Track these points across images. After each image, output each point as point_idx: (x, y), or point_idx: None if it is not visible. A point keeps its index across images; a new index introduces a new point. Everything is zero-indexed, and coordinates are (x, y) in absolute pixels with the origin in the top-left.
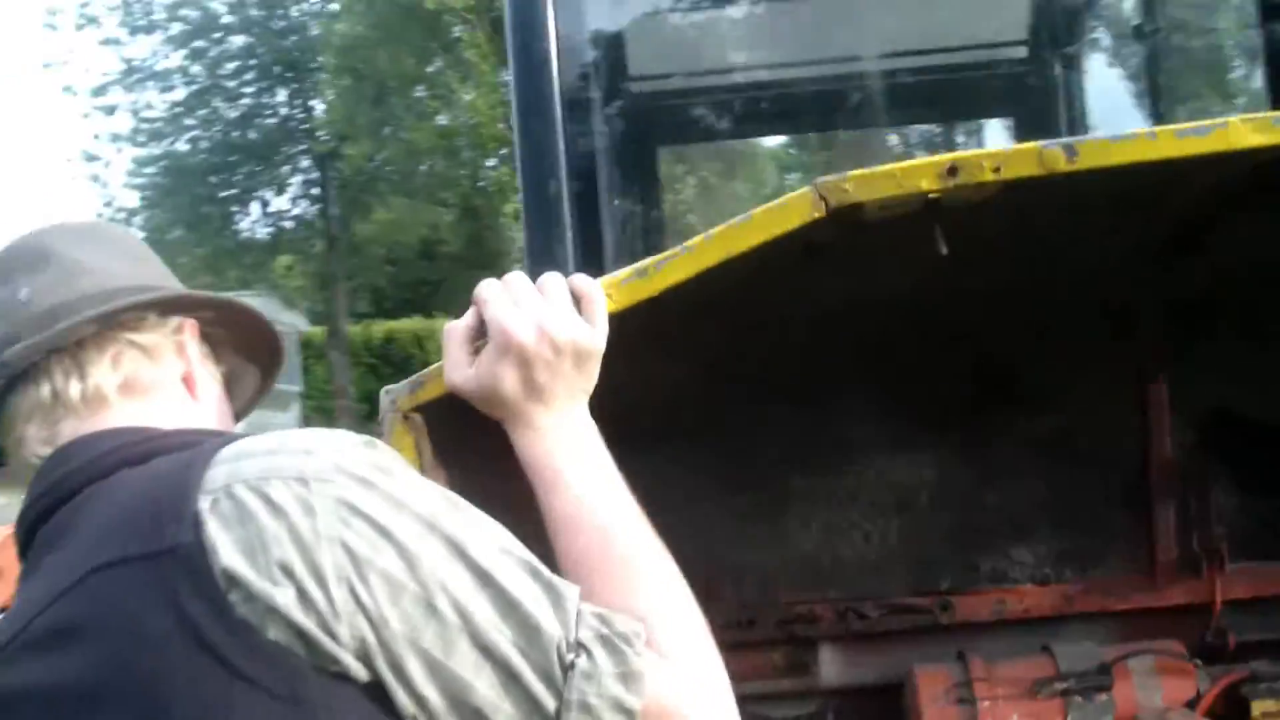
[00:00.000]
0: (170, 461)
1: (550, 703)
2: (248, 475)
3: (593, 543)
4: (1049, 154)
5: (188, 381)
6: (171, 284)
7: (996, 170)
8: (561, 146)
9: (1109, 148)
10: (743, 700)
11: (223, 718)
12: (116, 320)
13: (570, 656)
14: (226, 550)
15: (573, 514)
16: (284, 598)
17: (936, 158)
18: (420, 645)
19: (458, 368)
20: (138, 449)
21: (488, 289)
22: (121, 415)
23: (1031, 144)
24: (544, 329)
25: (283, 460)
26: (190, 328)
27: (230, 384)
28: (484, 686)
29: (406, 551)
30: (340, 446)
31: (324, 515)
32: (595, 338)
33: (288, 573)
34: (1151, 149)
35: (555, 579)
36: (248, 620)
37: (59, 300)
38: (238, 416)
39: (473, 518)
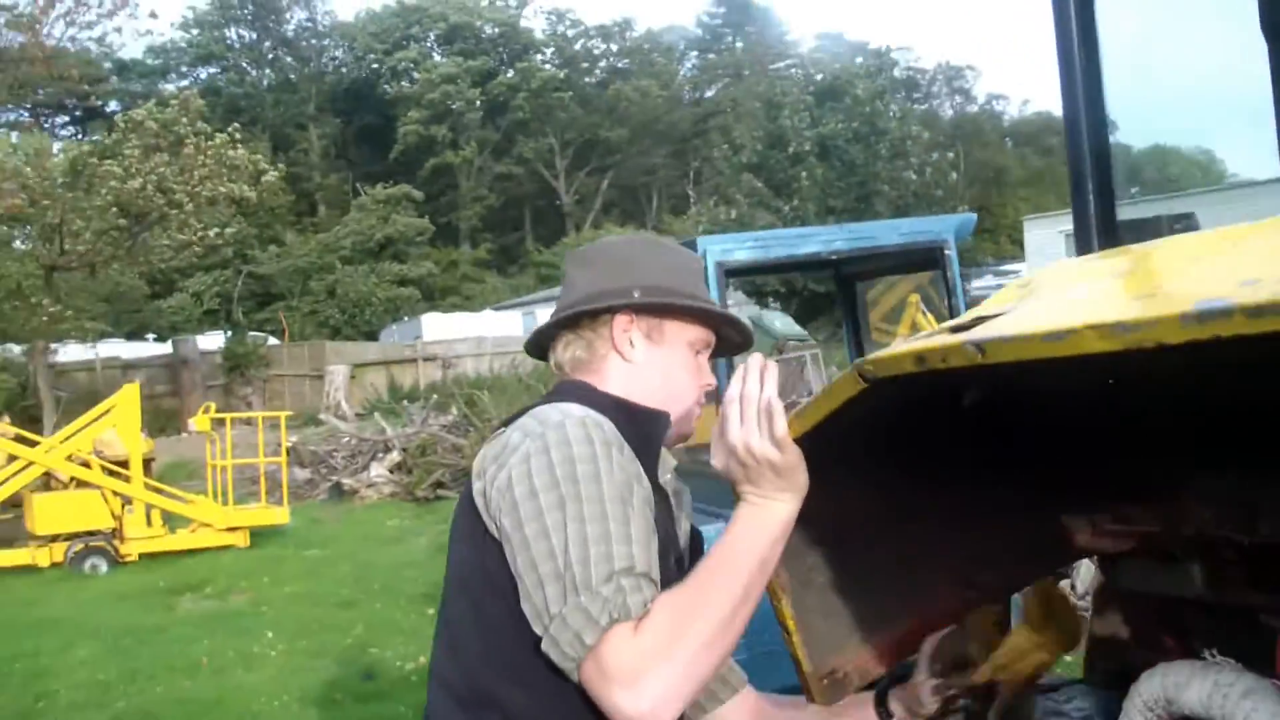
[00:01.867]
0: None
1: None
2: (518, 424)
3: (705, 566)
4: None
5: (605, 360)
6: (640, 283)
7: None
8: None
9: (1001, 346)
10: None
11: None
12: (570, 319)
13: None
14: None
15: (716, 549)
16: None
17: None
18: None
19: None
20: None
21: (729, 405)
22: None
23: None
24: (748, 444)
25: (531, 424)
26: (617, 323)
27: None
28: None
29: (531, 491)
30: (560, 428)
31: (515, 456)
32: (781, 456)
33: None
34: (1027, 349)
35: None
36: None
37: (580, 296)
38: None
39: (591, 498)
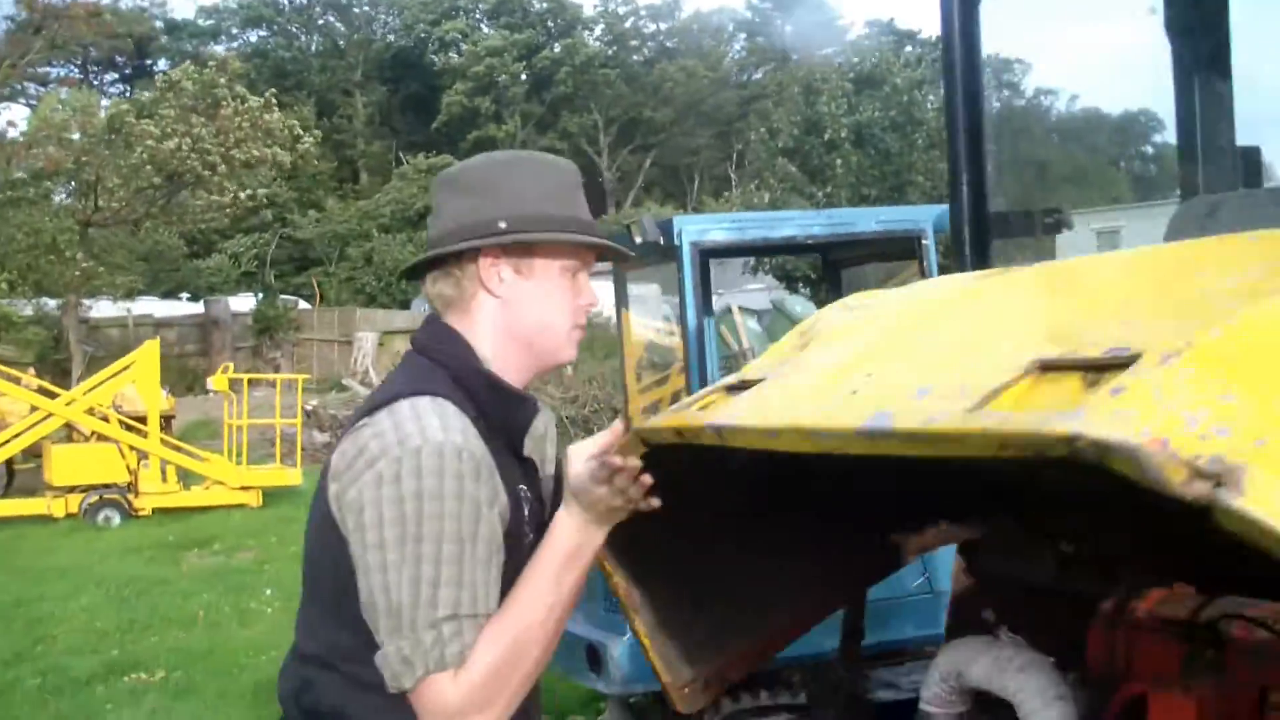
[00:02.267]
0: (401, 374)
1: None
2: (375, 425)
3: (522, 585)
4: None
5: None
6: (507, 213)
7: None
8: None
9: (735, 433)
10: None
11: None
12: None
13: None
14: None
15: (533, 564)
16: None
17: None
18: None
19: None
20: (417, 344)
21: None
22: (443, 317)
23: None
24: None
25: (388, 436)
26: (483, 261)
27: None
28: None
29: (379, 519)
30: (415, 455)
31: (369, 474)
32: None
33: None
34: (754, 439)
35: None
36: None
37: (447, 229)
38: None
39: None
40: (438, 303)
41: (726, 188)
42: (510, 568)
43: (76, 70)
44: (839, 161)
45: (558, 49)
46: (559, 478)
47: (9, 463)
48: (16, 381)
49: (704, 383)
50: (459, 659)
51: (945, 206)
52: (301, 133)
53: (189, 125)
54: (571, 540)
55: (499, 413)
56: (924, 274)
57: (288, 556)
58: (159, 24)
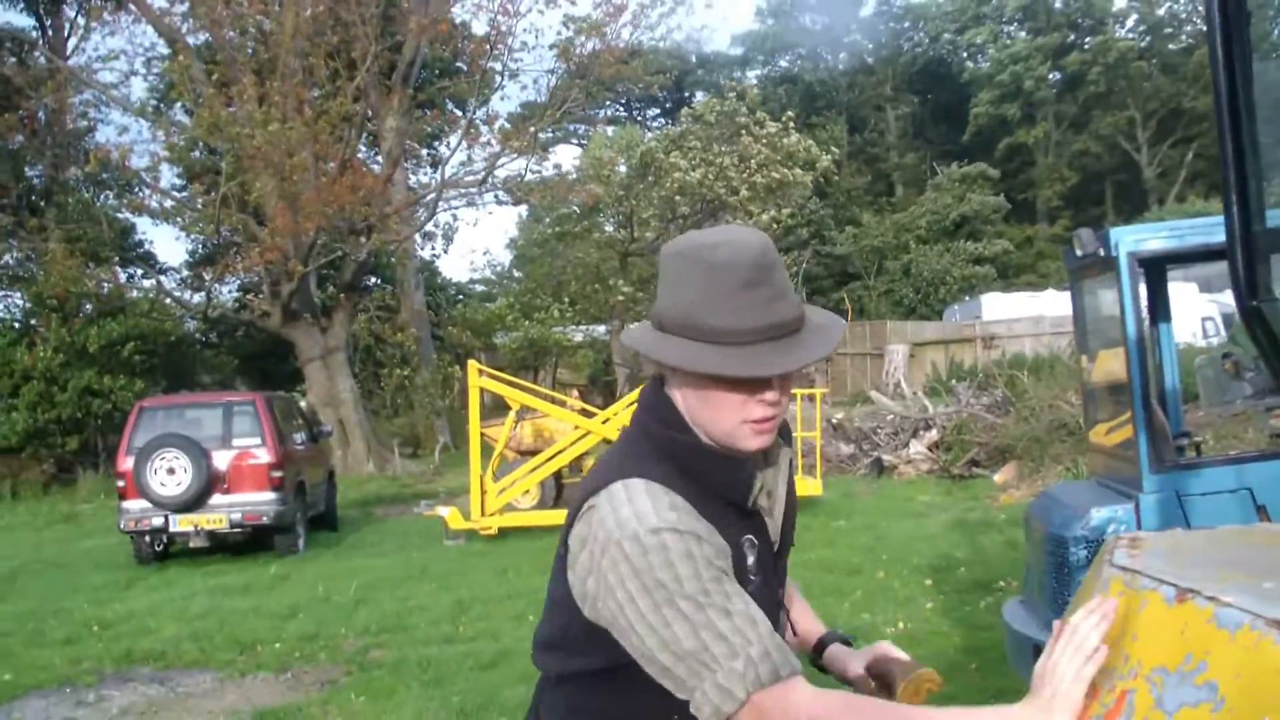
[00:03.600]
0: (615, 450)
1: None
2: (595, 513)
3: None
4: None
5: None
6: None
7: None
8: None
9: None
10: None
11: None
12: None
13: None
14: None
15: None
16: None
17: None
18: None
19: None
20: (635, 413)
21: (1067, 628)
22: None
23: None
24: (1055, 664)
25: (609, 522)
26: None
27: None
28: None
29: (629, 597)
30: (634, 540)
31: (605, 561)
32: (1056, 697)
33: (573, 565)
34: None
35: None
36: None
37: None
38: None
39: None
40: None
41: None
42: None
43: (621, 108)
44: None
45: (1087, 47)
46: (791, 505)
47: (558, 476)
48: (562, 404)
49: (1146, 394)
50: (786, 671)
51: None
52: (819, 152)
53: (712, 155)
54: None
55: (711, 478)
56: None
57: (799, 563)
58: (694, 58)
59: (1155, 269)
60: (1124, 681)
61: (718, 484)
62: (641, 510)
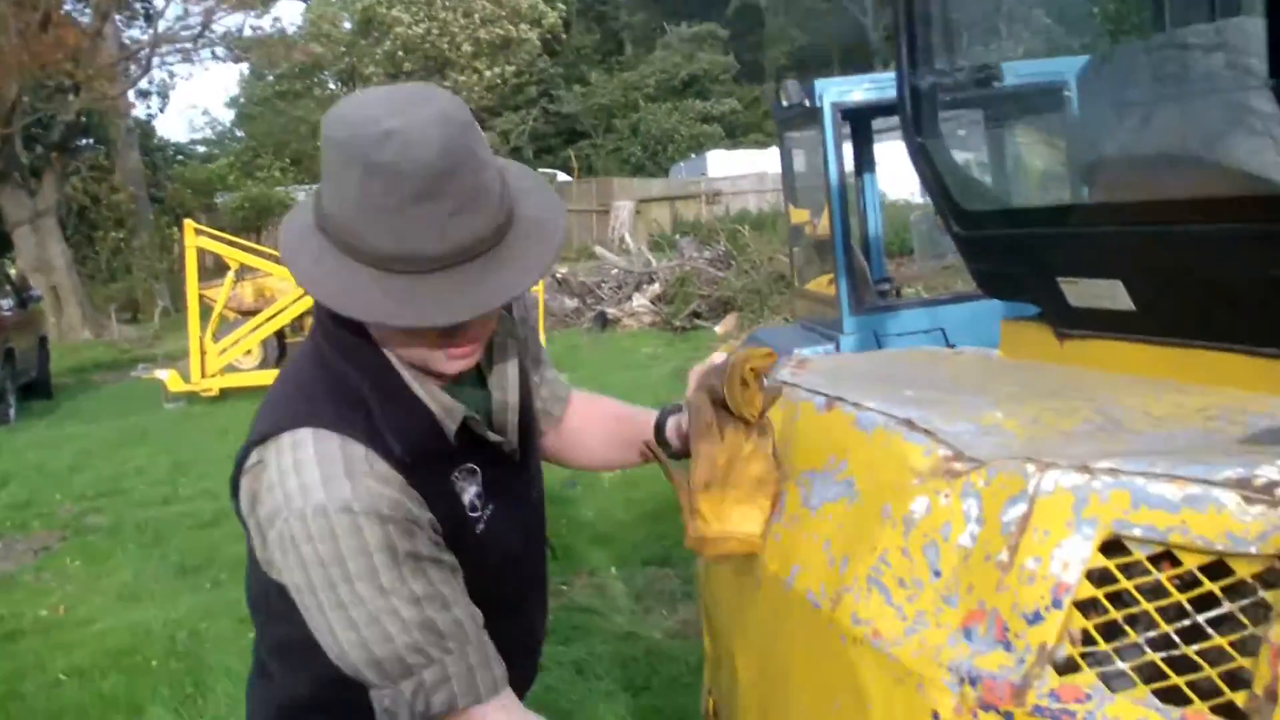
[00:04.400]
0: (287, 381)
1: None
2: (265, 474)
3: None
4: None
5: None
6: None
7: None
8: None
9: None
10: None
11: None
12: None
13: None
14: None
15: None
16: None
17: None
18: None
19: None
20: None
21: None
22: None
23: None
24: None
25: (276, 491)
26: None
27: None
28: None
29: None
30: (298, 506)
31: (272, 533)
32: None
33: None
34: None
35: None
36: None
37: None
38: None
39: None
40: None
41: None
42: (466, 561)
43: None
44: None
45: None
46: (527, 389)
47: (280, 335)
48: (280, 261)
49: (847, 241)
50: (467, 699)
51: (1087, 58)
52: (546, 8)
53: (436, 10)
54: None
55: (403, 423)
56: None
57: None
58: None
59: (861, 121)
60: (778, 486)
61: (410, 430)
62: (308, 482)
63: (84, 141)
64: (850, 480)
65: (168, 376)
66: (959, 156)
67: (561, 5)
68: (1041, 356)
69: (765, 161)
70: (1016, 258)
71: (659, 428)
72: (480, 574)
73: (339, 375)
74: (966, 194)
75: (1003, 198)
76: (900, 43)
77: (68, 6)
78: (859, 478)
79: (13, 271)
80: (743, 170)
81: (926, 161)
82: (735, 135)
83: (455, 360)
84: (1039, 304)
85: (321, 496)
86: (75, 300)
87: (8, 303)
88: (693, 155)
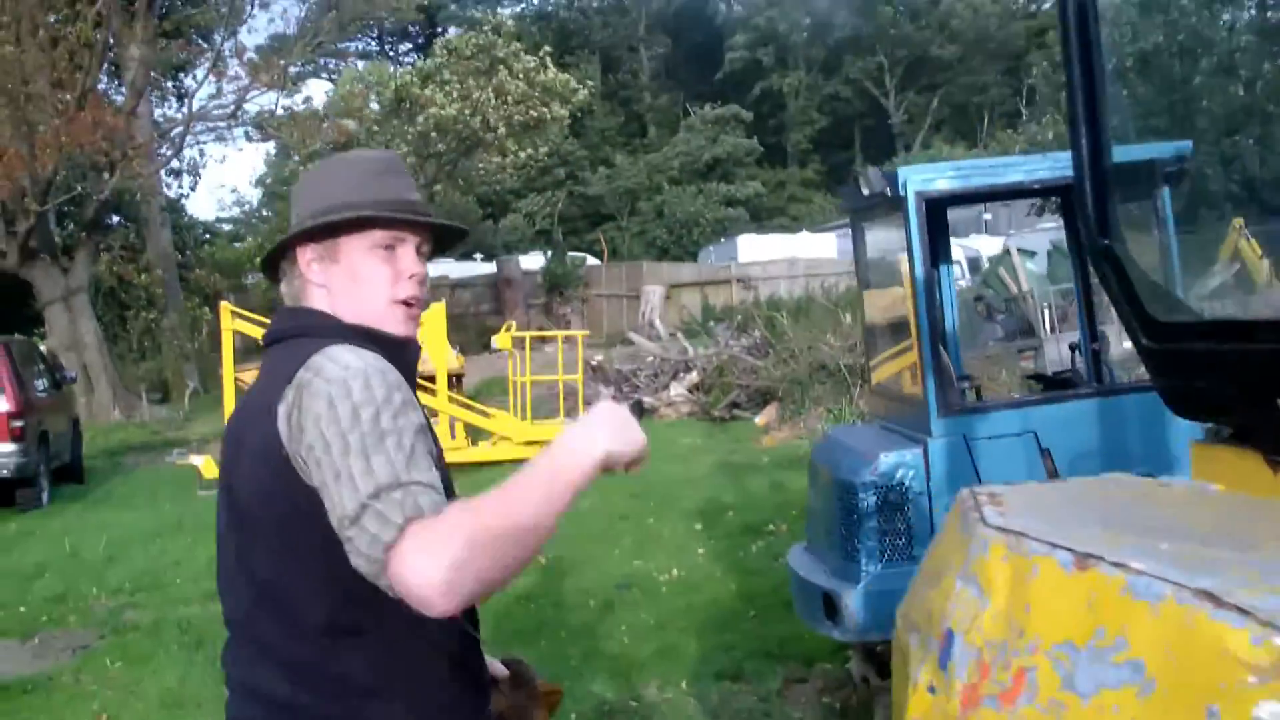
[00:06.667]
0: (288, 351)
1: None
2: (308, 369)
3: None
4: None
5: (306, 291)
6: (309, 209)
7: None
8: None
9: None
10: None
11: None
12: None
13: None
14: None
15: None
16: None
17: None
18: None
19: None
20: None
21: None
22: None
23: None
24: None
25: (326, 368)
26: (300, 257)
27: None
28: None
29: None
30: (349, 366)
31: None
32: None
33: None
34: None
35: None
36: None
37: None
38: None
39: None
40: (288, 300)
41: (1018, 124)
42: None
43: (374, 43)
44: (1125, 93)
45: None
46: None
47: None
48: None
49: (934, 338)
50: (434, 508)
51: (1179, 144)
52: (577, 85)
53: (468, 90)
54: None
55: (385, 355)
56: (1157, 214)
57: (569, 511)
58: None
59: (936, 211)
60: (1020, 658)
61: (392, 359)
62: (350, 360)
63: (116, 220)
64: (1138, 664)
65: (203, 462)
66: (1144, 260)
67: (591, 82)
68: (1250, 487)
69: (795, 246)
70: (1221, 376)
71: None
72: None
73: (332, 330)
74: (1159, 303)
75: (1206, 309)
76: (1079, 128)
77: (102, 85)
78: (1151, 662)
79: (44, 348)
80: (773, 255)
81: (1112, 266)
82: (760, 218)
83: (409, 318)
84: (1247, 427)
85: (362, 363)
86: (106, 380)
87: (42, 383)
88: (721, 239)
